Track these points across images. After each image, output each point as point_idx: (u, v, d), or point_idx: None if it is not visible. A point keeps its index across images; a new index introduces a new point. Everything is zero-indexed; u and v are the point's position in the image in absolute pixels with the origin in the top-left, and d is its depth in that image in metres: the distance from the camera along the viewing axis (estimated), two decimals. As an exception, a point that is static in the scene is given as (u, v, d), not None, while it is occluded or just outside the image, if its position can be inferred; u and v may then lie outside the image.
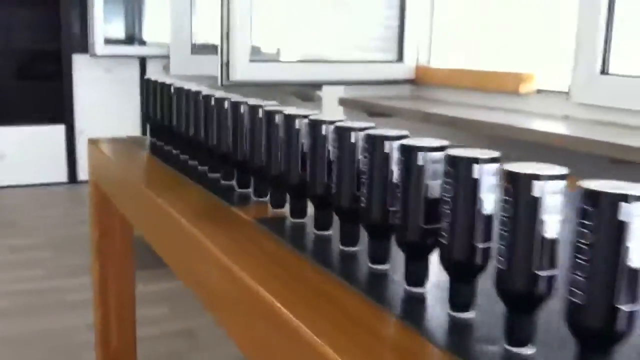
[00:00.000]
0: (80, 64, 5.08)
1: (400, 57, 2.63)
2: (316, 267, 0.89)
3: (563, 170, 0.61)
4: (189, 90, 1.50)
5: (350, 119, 2.66)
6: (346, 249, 0.93)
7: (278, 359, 0.78)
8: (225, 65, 2.27)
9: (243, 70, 2.28)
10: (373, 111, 2.49)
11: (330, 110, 2.75)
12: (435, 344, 0.66)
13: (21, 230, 3.97)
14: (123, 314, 2.05)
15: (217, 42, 2.26)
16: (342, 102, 2.62)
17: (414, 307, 0.75)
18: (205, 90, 1.45)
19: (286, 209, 1.12)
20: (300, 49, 2.77)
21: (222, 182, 1.37)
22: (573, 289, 0.56)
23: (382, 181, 0.82)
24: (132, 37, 5.12)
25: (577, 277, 0.56)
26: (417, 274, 0.78)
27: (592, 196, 0.54)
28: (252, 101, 1.23)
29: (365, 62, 2.60)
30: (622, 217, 0.53)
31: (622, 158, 1.54)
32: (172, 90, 1.63)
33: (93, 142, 1.94)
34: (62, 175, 5.14)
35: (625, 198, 0.53)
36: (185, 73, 3.13)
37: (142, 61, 5.06)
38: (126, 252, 2.01)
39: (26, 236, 3.81)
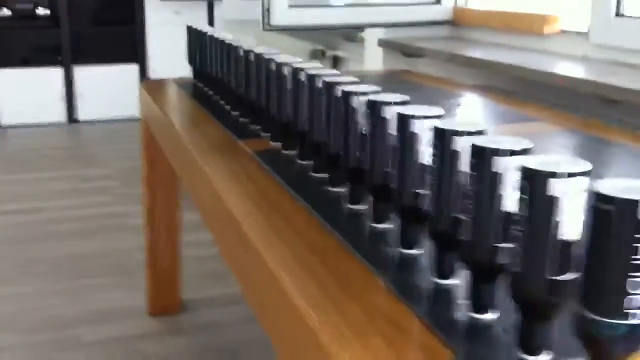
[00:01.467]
0: (151, 7, 5.32)
1: (438, 0, 2.72)
2: (284, 189, 1.07)
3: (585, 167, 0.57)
4: (221, 41, 1.67)
5: (387, 61, 2.78)
6: (329, 189, 1.10)
7: (242, 269, 0.96)
8: (267, 11, 2.43)
9: (282, 15, 2.43)
10: (408, 52, 2.60)
11: (370, 51, 2.87)
12: (357, 250, 0.84)
13: (94, 161, 4.31)
14: (170, 238, 2.30)
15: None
16: (381, 43, 2.74)
17: (355, 223, 0.93)
18: (233, 41, 1.59)
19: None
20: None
21: (240, 119, 1.56)
22: (512, 259, 0.60)
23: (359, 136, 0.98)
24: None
25: (515, 248, 0.59)
26: (382, 213, 0.92)
27: (526, 172, 0.57)
28: (277, 57, 1.31)
29: (403, 5, 2.70)
30: (551, 192, 0.55)
31: (615, 98, 1.64)
32: (208, 39, 1.81)
33: (143, 83, 2.15)
34: (136, 111, 5.44)
35: (554, 175, 0.55)
36: (234, 17, 3.30)
37: (210, 3, 5.26)
38: (172, 183, 2.24)
39: (99, 167, 4.13)
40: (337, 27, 2.79)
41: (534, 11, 2.36)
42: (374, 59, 2.84)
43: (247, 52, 1.44)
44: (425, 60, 2.57)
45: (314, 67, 1.15)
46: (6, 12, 5.18)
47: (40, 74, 5.27)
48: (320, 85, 1.04)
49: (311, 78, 1.08)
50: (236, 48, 1.51)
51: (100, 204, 3.48)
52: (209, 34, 1.79)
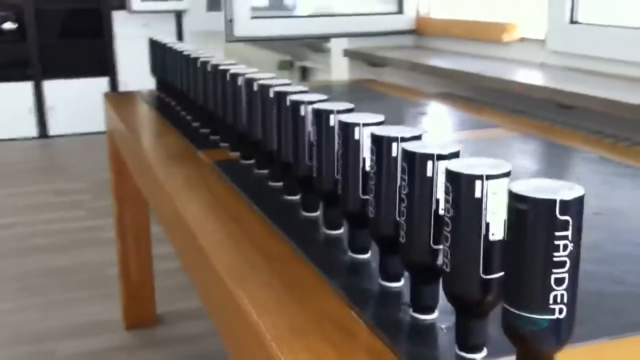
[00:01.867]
0: (119, 20, 5.32)
1: (400, 9, 2.76)
2: (238, 195, 1.09)
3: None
4: (180, 52, 1.69)
5: (353, 70, 2.83)
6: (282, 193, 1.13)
7: (199, 279, 0.99)
8: (230, 22, 2.45)
9: (245, 26, 2.46)
10: (372, 62, 2.64)
11: (336, 61, 2.91)
12: (309, 257, 0.86)
13: (67, 175, 4.29)
14: (140, 251, 2.31)
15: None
16: (346, 53, 2.78)
17: (309, 230, 0.95)
18: (191, 53, 1.63)
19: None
20: (308, 3, 2.93)
21: (201, 130, 1.58)
22: (444, 258, 0.61)
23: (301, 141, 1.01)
24: (169, -8, 5.32)
25: (445, 247, 0.61)
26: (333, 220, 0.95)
27: (450, 175, 0.59)
28: (232, 68, 1.35)
29: (367, 15, 2.74)
30: (476, 194, 0.57)
31: (569, 104, 1.69)
32: (168, 51, 1.84)
33: (106, 96, 2.16)
34: (107, 125, 5.44)
35: (479, 177, 0.57)
36: (200, 29, 3.32)
37: (179, 15, 5.27)
38: (140, 195, 2.24)
39: (71, 181, 4.12)
40: (301, 37, 2.82)
41: (496, 19, 2.41)
42: (340, 69, 2.88)
43: (204, 63, 1.46)
44: (389, 70, 2.61)
45: (266, 77, 1.17)
46: (-27, 27, 5.16)
47: (10, 89, 5.25)
48: (271, 95, 1.06)
49: (263, 88, 1.11)
50: (194, 59, 1.54)
51: (73, 218, 3.47)
52: (168, 45, 1.82)
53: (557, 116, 1.79)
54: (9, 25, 5.22)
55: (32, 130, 5.32)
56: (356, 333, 0.69)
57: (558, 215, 0.52)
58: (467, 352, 0.64)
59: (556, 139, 1.50)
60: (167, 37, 5.36)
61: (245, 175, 1.21)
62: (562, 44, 2.07)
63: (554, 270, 0.53)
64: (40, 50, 5.26)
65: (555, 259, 0.52)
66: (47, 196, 3.85)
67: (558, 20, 2.07)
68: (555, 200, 0.51)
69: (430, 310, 0.71)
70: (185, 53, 1.63)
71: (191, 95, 1.60)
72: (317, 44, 3.18)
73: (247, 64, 4.08)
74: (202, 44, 4.83)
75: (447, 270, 0.62)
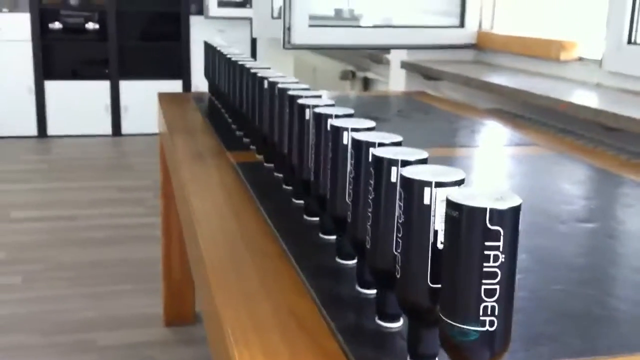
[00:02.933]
0: (196, 25, 5.46)
1: (462, 23, 2.73)
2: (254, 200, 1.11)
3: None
4: (225, 56, 1.72)
5: (410, 82, 2.81)
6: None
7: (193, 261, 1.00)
8: (287, 30, 2.48)
9: (302, 34, 2.49)
10: (428, 75, 2.62)
11: (394, 73, 2.90)
12: (294, 257, 0.87)
13: (133, 173, 4.43)
14: (183, 249, 2.35)
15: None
16: (403, 65, 2.77)
17: (306, 234, 0.96)
18: (232, 56, 1.66)
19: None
20: (372, 14, 2.94)
21: (236, 132, 1.60)
22: (396, 265, 0.61)
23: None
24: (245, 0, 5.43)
25: (397, 253, 0.61)
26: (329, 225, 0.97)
27: (403, 181, 0.59)
28: (261, 72, 1.36)
29: (428, 27, 2.72)
30: (425, 201, 0.57)
31: (614, 126, 1.63)
32: (217, 54, 1.87)
33: (160, 96, 2.22)
34: (178, 127, 5.58)
35: (428, 184, 0.57)
36: (265, 36, 3.37)
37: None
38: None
39: (137, 178, 4.25)
40: (358, 47, 2.83)
41: (557, 37, 2.36)
42: (397, 80, 2.87)
43: (241, 67, 1.49)
44: (445, 83, 2.59)
45: (287, 81, 1.18)
46: (58, 25, 5.39)
47: (88, 87, 5.45)
48: (284, 98, 1.07)
49: (281, 92, 1.12)
50: (234, 63, 1.56)
51: (132, 214, 3.58)
52: (217, 48, 1.85)
53: (604, 138, 1.74)
54: (91, 26, 5.44)
55: (107, 128, 5.51)
56: (317, 335, 0.69)
57: (488, 225, 0.50)
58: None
59: (591, 160, 1.45)
60: (243, 42, 5.44)
61: (261, 177, 1.23)
62: (619, 65, 2.01)
63: (484, 281, 0.51)
64: (119, 51, 5.45)
65: (485, 269, 0.51)
66: (111, 192, 3.98)
67: (615, 41, 2.00)
68: (485, 209, 0.50)
69: (393, 318, 0.70)
70: (227, 56, 1.66)
71: (231, 98, 1.63)
72: (378, 55, 3.18)
73: (313, 71, 4.12)
74: (271, 51, 4.91)
75: (398, 276, 0.61)
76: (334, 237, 0.93)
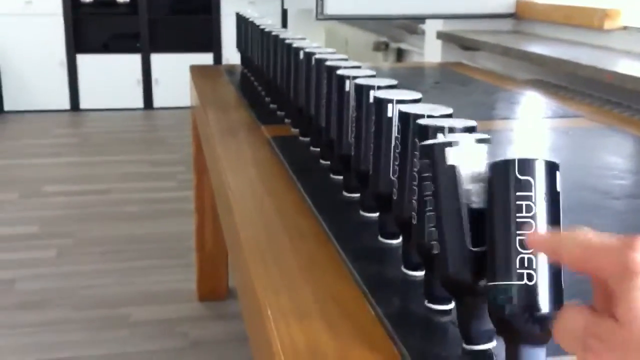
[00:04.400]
0: (227, -3, 5.42)
1: (500, -8, 2.65)
2: (287, 172, 1.06)
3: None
4: (258, 27, 1.67)
5: (446, 53, 2.74)
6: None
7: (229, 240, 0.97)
8: (320, 0, 2.42)
9: (336, 4, 2.42)
10: (465, 45, 2.55)
11: (429, 44, 2.83)
12: (335, 237, 0.83)
13: (165, 147, 4.42)
14: (216, 224, 2.33)
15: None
16: (439, 35, 2.70)
17: (344, 211, 0.92)
18: (267, 27, 1.60)
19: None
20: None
21: (270, 106, 1.56)
22: (431, 241, 0.58)
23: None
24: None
25: (431, 228, 0.58)
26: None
27: (423, 150, 0.57)
28: (297, 42, 1.30)
29: (464, -4, 2.64)
30: (451, 162, 0.54)
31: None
32: (250, 26, 1.83)
33: (192, 69, 2.19)
34: (209, 100, 5.56)
35: (450, 144, 0.54)
36: (297, 7, 3.31)
37: (284, -7, 5.31)
38: (218, 167, 2.26)
39: (168, 152, 4.23)
40: (393, 17, 2.76)
41: (597, 5, 2.27)
42: (433, 51, 2.80)
43: (273, 37, 1.44)
44: (483, 54, 2.51)
45: (324, 52, 1.13)
46: (88, -1, 5.37)
47: (120, 60, 5.44)
48: (322, 69, 1.03)
49: (318, 62, 1.07)
50: (268, 34, 1.52)
51: (164, 188, 3.56)
52: (250, 20, 1.80)
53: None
54: (122, -1, 5.41)
55: (139, 102, 5.50)
56: (362, 321, 0.65)
57: (518, 175, 0.49)
58: (473, 345, 0.58)
59: (637, 132, 1.39)
60: (273, 15, 5.41)
61: (298, 152, 1.18)
62: (668, 33, 1.92)
63: (521, 232, 0.48)
64: (150, 24, 5.42)
65: (518, 219, 0.48)
66: (143, 166, 3.98)
67: (665, 7, 1.92)
68: (514, 160, 0.49)
69: (443, 301, 0.66)
70: (261, 27, 1.61)
71: (264, 70, 1.58)
72: (412, 26, 3.11)
73: (345, 43, 4.06)
74: (302, 23, 4.84)
75: (436, 251, 0.57)
76: (376, 214, 0.88)
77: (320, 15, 2.45)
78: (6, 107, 5.33)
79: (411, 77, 2.19)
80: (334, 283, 0.72)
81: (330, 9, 2.43)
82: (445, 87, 1.98)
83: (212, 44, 5.54)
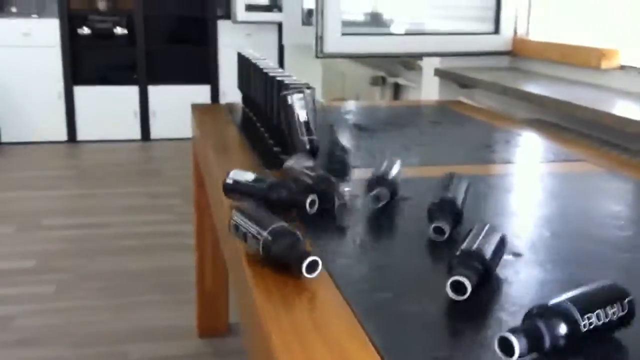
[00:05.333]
0: (224, 29, 5.46)
1: (496, 29, 2.68)
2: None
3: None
4: (259, 67, 1.69)
5: (443, 90, 2.76)
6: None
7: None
8: (320, 39, 2.45)
9: (335, 43, 2.45)
10: (463, 83, 2.58)
11: (427, 80, 2.85)
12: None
13: (162, 179, 4.43)
14: (216, 260, 2.33)
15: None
16: (437, 72, 2.72)
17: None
18: (267, 68, 1.63)
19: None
20: (402, 19, 2.90)
21: (274, 149, 1.57)
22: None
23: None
24: (273, 4, 5.40)
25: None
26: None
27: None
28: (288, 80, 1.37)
29: (462, 34, 2.67)
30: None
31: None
32: (251, 65, 1.84)
33: (193, 107, 2.20)
34: (205, 131, 5.58)
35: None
36: (295, 43, 3.34)
37: (281, 26, 5.34)
38: (219, 205, 2.27)
39: (165, 184, 4.24)
40: (391, 55, 2.79)
41: (596, 44, 2.30)
42: (430, 88, 2.82)
43: (272, 79, 1.46)
44: (480, 91, 2.54)
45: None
46: (86, 30, 5.41)
47: (118, 92, 5.47)
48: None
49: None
50: (266, 74, 1.53)
51: (162, 221, 3.57)
52: (251, 60, 1.82)
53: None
54: (119, 31, 5.45)
55: (136, 133, 5.52)
56: None
57: None
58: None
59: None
60: (270, 46, 5.38)
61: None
62: (664, 74, 1.95)
63: None
64: (147, 56, 5.45)
65: None
66: (140, 198, 3.98)
67: (661, 49, 1.95)
68: None
69: None
70: (260, 67, 1.63)
71: (267, 111, 1.59)
72: (409, 61, 3.14)
73: (342, 78, 4.06)
74: (299, 56, 4.88)
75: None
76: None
77: (320, 53, 2.48)
78: (3, 139, 5.34)
79: (409, 116, 2.21)
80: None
81: (330, 47, 2.46)
82: (443, 127, 2.00)
83: (209, 75, 5.57)
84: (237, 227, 0.92)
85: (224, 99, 5.53)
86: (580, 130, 1.98)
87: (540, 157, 1.67)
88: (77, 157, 5.18)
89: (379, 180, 1.12)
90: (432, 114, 2.25)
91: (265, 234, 0.87)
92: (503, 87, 2.26)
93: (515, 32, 2.70)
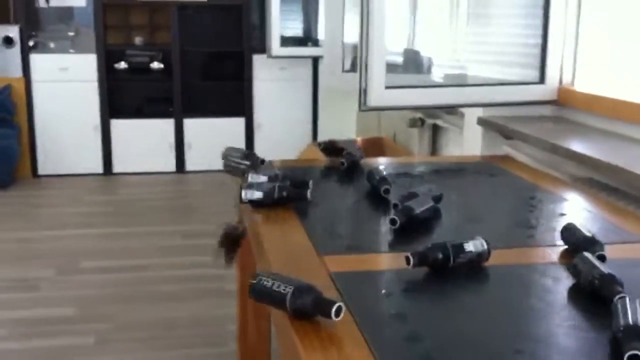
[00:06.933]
0: (259, 63, 5.47)
1: (542, 78, 2.64)
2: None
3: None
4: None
5: (487, 139, 2.71)
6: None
7: None
8: (364, 92, 2.43)
9: (379, 96, 2.43)
10: (508, 135, 2.54)
11: (469, 128, 2.81)
12: None
13: (198, 216, 4.43)
14: (260, 310, 2.29)
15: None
16: (480, 121, 2.68)
17: None
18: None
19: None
20: (436, 62, 2.88)
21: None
22: None
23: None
24: (308, 38, 5.42)
25: None
26: None
27: None
28: None
29: (505, 84, 2.64)
30: None
31: None
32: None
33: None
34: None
35: None
36: (335, 87, 3.33)
37: (315, 60, 5.37)
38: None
39: (201, 222, 4.23)
40: (435, 107, 2.76)
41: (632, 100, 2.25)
42: (473, 136, 2.78)
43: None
44: (523, 146, 2.49)
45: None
46: (123, 65, 5.46)
47: (154, 125, 5.51)
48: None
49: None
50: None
51: (200, 264, 3.54)
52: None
53: None
54: (156, 65, 5.49)
55: (171, 165, 5.55)
56: None
57: None
58: None
59: None
60: (304, 80, 5.33)
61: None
62: None
63: None
64: (183, 89, 5.49)
65: None
66: (178, 238, 3.98)
67: None
68: None
69: None
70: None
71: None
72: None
73: (378, 115, 4.02)
74: (333, 95, 4.88)
75: None
76: None
77: (364, 106, 2.45)
78: (40, 172, 5.40)
79: (448, 175, 2.14)
80: None
81: (374, 101, 2.43)
82: (482, 194, 1.94)
83: (244, 108, 5.58)
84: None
85: (259, 132, 5.56)
86: (636, 195, 1.92)
87: (597, 235, 1.58)
88: (112, 191, 5.22)
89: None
90: (473, 174, 2.19)
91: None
92: (552, 145, 2.22)
93: (561, 81, 2.66)
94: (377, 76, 2.42)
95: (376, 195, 1.77)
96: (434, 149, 3.47)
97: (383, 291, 1.23)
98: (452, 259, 1.25)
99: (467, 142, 2.87)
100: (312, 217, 1.66)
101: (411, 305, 1.17)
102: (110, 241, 3.96)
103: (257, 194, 1.66)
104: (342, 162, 2.07)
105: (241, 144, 5.56)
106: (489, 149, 2.70)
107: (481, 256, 1.28)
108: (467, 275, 1.27)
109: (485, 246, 1.29)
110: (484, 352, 1.00)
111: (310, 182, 1.78)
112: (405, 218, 1.50)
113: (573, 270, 1.22)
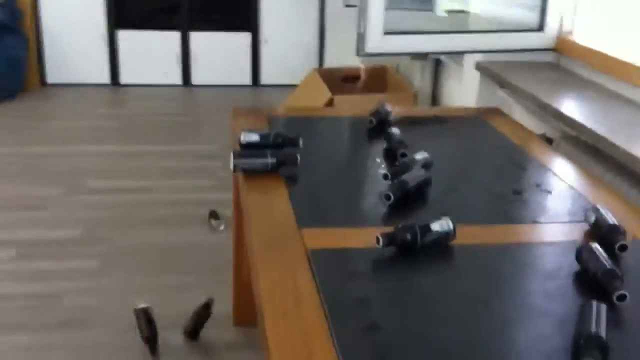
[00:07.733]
0: (267, -24, 5.41)
1: (541, 26, 2.64)
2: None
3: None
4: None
5: (483, 86, 2.74)
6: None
7: None
8: (362, 37, 2.44)
9: (377, 42, 2.45)
10: (504, 84, 2.57)
11: (468, 71, 2.84)
12: None
13: (204, 134, 4.50)
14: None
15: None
16: (478, 67, 2.70)
17: None
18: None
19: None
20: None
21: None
22: None
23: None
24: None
25: None
26: None
27: None
28: None
29: (504, 32, 2.64)
30: None
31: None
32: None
33: (234, 111, 2.25)
34: (246, 79, 5.62)
35: None
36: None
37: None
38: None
39: (207, 142, 4.29)
40: (432, 53, 2.77)
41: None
42: (471, 79, 2.81)
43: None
44: (518, 96, 2.53)
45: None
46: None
47: (159, 37, 5.50)
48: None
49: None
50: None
51: (203, 187, 3.63)
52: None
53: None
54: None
55: (178, 78, 5.57)
56: None
57: None
58: None
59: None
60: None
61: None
62: None
63: None
64: (189, 2, 5.44)
65: None
66: (183, 158, 4.06)
67: None
68: None
69: None
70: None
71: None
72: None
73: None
74: (342, 24, 4.81)
75: None
76: None
77: (361, 51, 2.48)
78: (49, 80, 5.44)
79: (437, 132, 2.18)
80: None
81: (371, 46, 2.46)
82: (466, 158, 1.98)
83: (249, 23, 5.54)
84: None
85: (265, 47, 5.53)
86: (619, 161, 1.95)
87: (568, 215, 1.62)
88: (120, 104, 5.27)
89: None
90: (460, 130, 2.21)
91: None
92: (542, 104, 2.26)
93: (560, 30, 2.66)
94: (375, 22, 2.43)
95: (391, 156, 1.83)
96: (435, 85, 3.49)
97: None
98: (419, 239, 1.33)
99: (466, 84, 2.90)
100: (300, 185, 1.72)
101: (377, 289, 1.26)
102: (117, 159, 4.03)
103: (247, 163, 1.71)
104: (370, 119, 2.10)
105: (247, 59, 5.56)
106: (485, 93, 2.74)
107: (447, 236, 1.37)
108: (433, 255, 1.36)
109: (451, 226, 1.37)
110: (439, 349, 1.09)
111: (301, 141, 1.84)
112: (400, 192, 1.56)
113: (578, 257, 1.30)
